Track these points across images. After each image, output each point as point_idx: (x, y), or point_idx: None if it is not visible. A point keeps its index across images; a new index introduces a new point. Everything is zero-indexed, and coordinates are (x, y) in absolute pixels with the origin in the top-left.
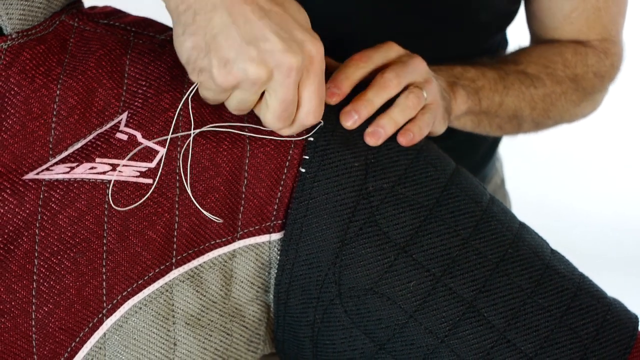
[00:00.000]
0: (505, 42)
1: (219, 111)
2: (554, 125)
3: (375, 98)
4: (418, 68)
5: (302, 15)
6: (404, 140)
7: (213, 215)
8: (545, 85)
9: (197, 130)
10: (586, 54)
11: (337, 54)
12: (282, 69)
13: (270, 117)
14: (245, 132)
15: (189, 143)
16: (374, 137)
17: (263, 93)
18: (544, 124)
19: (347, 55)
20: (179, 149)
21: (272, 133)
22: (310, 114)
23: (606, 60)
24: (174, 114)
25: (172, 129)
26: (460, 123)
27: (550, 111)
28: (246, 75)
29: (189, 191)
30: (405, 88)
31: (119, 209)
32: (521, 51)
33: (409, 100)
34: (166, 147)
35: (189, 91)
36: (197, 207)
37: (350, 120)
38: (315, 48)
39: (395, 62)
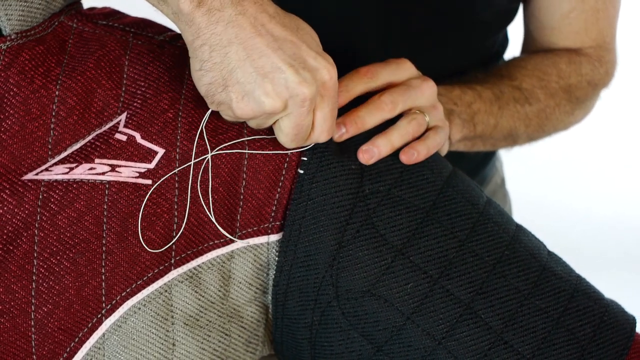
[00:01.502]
0: (506, 41)
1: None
2: (548, 136)
3: (367, 117)
4: (426, 93)
5: (314, 38)
6: (405, 158)
7: (212, 215)
8: (539, 101)
9: (214, 152)
10: (580, 62)
11: (338, 54)
12: (296, 100)
13: (284, 139)
14: (255, 149)
15: (206, 165)
16: (367, 155)
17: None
18: (539, 137)
19: (348, 56)
20: (178, 150)
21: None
22: (323, 133)
23: (600, 69)
24: (173, 115)
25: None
26: (454, 147)
27: (545, 125)
28: (263, 108)
29: (211, 217)
30: (409, 110)
31: (152, 250)
32: (516, 63)
33: (409, 126)
34: (190, 170)
35: (203, 120)
36: (209, 216)
37: (337, 133)
38: (328, 74)
39: (401, 84)
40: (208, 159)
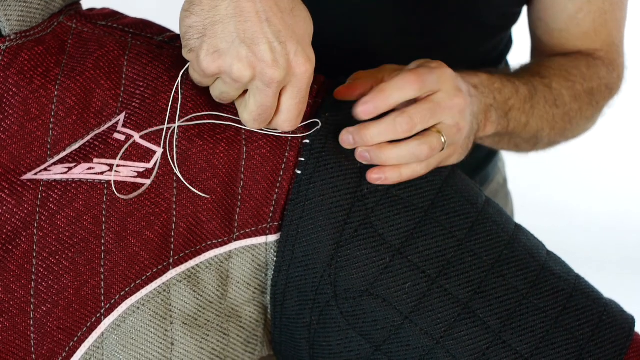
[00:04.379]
0: (510, 43)
1: (217, 110)
2: (565, 141)
3: (376, 136)
4: (454, 110)
5: (306, 28)
6: (370, 175)
7: (209, 215)
8: (565, 104)
9: (182, 122)
10: (597, 66)
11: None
12: (264, 78)
13: (247, 116)
14: (229, 122)
15: (174, 130)
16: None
17: (246, 90)
18: (558, 142)
19: (352, 55)
20: (176, 149)
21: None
22: (286, 122)
23: (613, 73)
24: (171, 114)
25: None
26: (481, 141)
27: (566, 130)
28: (230, 70)
29: (177, 173)
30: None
31: (122, 196)
32: (542, 63)
33: (418, 149)
34: (161, 145)
35: (182, 70)
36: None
37: (345, 142)
38: (303, 66)
39: (428, 99)
40: (175, 128)
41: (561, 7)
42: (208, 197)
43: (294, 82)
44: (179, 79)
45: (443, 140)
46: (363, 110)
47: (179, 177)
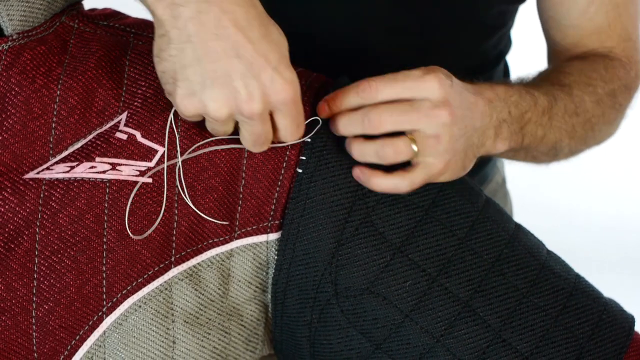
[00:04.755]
0: (509, 43)
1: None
2: (587, 149)
3: (341, 127)
4: (433, 121)
5: (280, 49)
6: (355, 172)
7: (211, 214)
8: (587, 111)
9: (185, 156)
10: (614, 66)
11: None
12: (243, 113)
13: (246, 143)
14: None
15: (179, 168)
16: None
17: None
18: (579, 150)
19: (350, 55)
20: (178, 148)
21: None
22: (288, 136)
23: (631, 72)
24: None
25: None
26: (496, 155)
27: (588, 137)
28: (206, 111)
29: (188, 202)
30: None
31: (136, 237)
32: (560, 70)
33: (382, 150)
34: (164, 145)
35: (171, 112)
36: (198, 212)
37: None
38: (282, 93)
39: (408, 102)
40: (179, 165)
41: (571, 2)
42: (208, 218)
43: (279, 106)
44: (171, 116)
45: (414, 148)
46: (324, 102)
47: (180, 175)
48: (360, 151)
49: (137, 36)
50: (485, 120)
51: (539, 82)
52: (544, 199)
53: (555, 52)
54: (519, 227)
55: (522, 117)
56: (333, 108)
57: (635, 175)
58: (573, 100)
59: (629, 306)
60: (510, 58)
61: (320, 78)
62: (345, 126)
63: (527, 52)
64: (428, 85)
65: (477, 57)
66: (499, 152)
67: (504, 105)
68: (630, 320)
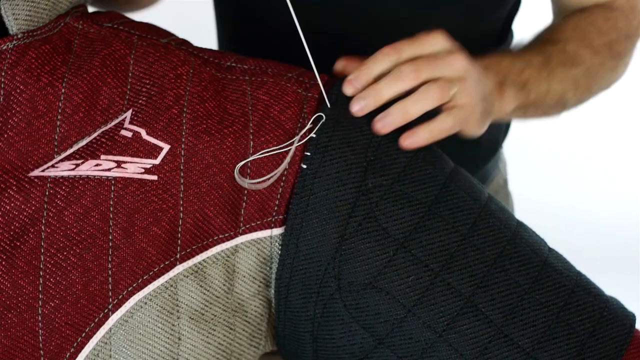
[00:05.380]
0: (511, 35)
1: (223, 105)
2: (594, 96)
3: (385, 89)
4: (454, 65)
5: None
6: (403, 142)
7: (216, 211)
8: (584, 61)
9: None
10: (615, 18)
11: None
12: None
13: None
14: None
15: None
16: (380, 124)
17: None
18: (586, 98)
19: (334, 40)
20: (183, 145)
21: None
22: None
23: (634, 20)
24: (178, 111)
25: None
26: (508, 116)
27: (592, 86)
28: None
29: None
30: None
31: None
32: (555, 27)
33: (429, 91)
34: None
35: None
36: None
37: (357, 106)
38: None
39: (428, 55)
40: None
41: None
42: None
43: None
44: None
45: (453, 89)
46: (348, 82)
47: (186, 173)
48: (414, 101)
49: (141, 38)
50: (490, 84)
51: (532, 43)
52: (545, 201)
53: (560, 9)
54: (520, 224)
55: (519, 76)
56: (361, 81)
57: (635, 175)
58: (567, 54)
59: (630, 304)
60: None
61: (323, 77)
62: (388, 88)
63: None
64: (437, 40)
65: (472, 38)
66: (510, 112)
67: (497, 69)
68: (631, 318)
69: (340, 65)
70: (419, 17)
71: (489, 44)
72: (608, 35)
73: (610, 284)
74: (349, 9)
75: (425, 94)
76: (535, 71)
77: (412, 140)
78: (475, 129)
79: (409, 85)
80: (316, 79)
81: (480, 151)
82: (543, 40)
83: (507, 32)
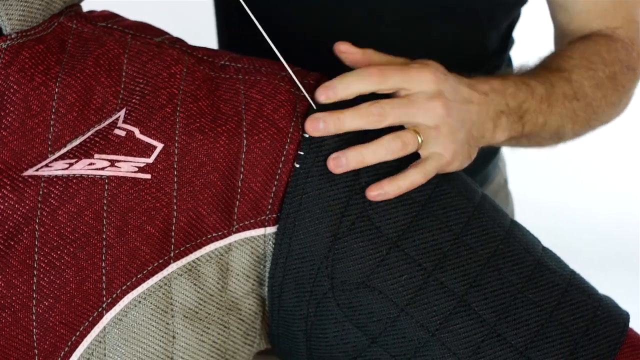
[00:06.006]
0: (511, 41)
1: (217, 103)
2: (593, 130)
3: (347, 120)
4: (430, 113)
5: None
6: (370, 193)
7: (209, 209)
8: (586, 95)
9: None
10: (617, 49)
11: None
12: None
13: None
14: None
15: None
16: (333, 163)
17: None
18: (584, 132)
19: (330, 40)
20: (176, 144)
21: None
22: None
23: (633, 52)
24: (171, 110)
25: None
26: (498, 145)
27: (591, 120)
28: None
29: None
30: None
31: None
32: (562, 54)
33: (390, 143)
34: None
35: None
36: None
37: (317, 125)
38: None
39: (405, 96)
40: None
41: None
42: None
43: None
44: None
45: (419, 139)
46: (322, 92)
47: (179, 172)
48: (372, 151)
49: (135, 37)
50: (482, 113)
51: (539, 69)
52: (545, 200)
53: (562, 35)
54: (514, 224)
55: (519, 107)
56: (336, 94)
57: (635, 175)
58: (572, 85)
59: (628, 304)
60: (512, 55)
61: (315, 76)
62: (351, 121)
63: (528, 51)
64: (423, 78)
65: (471, 51)
66: (500, 142)
67: (500, 97)
68: (625, 316)
69: (343, 47)
70: (418, 20)
71: (488, 52)
72: (612, 67)
73: (608, 283)
74: (349, 9)
75: (386, 145)
76: (536, 103)
77: (378, 193)
78: (460, 165)
79: (371, 126)
80: (309, 77)
81: (481, 152)
82: (550, 68)
83: (508, 40)
